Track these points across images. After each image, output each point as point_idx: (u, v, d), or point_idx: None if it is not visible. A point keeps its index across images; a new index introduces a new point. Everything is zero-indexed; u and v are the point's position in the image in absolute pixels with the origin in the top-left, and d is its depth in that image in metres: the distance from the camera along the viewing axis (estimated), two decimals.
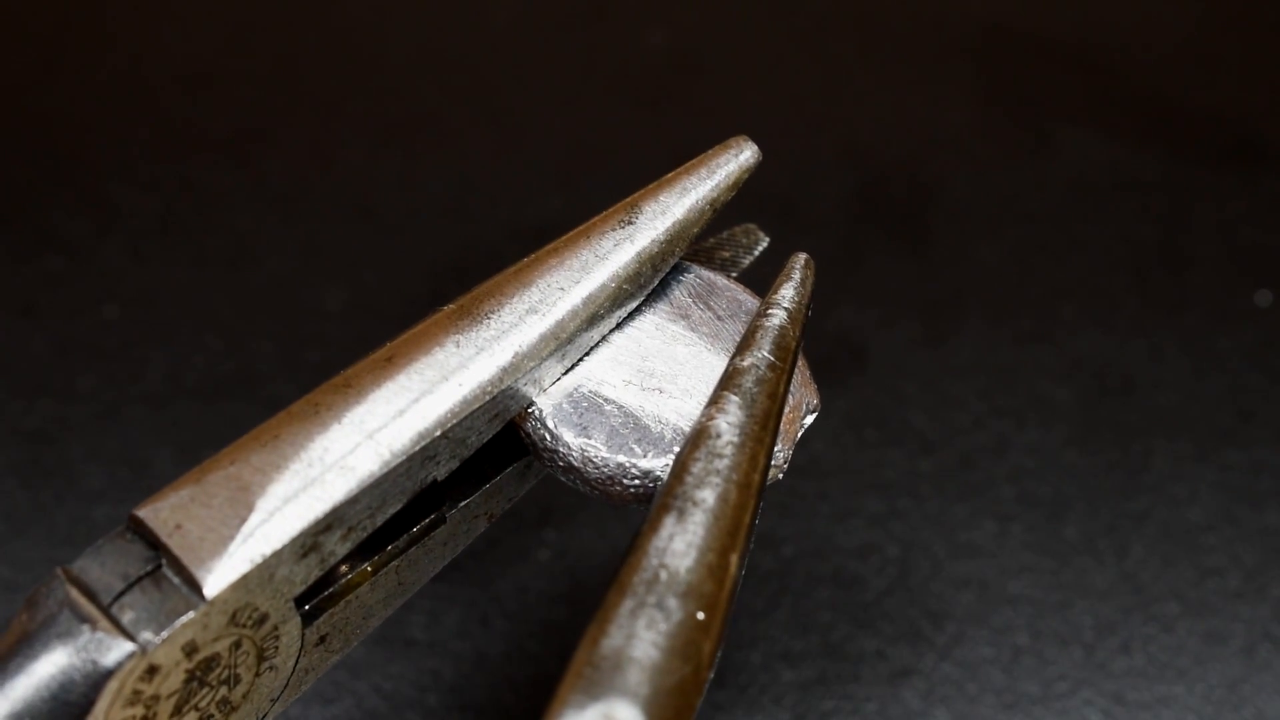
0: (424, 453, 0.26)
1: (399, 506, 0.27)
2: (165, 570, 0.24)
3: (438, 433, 0.26)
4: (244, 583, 0.24)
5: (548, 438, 0.28)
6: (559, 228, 0.35)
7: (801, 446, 0.43)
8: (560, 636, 0.39)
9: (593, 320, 0.28)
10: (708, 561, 0.24)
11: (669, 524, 0.24)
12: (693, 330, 0.30)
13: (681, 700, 0.23)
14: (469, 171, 0.51)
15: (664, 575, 0.24)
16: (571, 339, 0.28)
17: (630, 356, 0.29)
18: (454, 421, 0.26)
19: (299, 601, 0.26)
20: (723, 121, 0.54)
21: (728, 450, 0.26)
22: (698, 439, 0.26)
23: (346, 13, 0.57)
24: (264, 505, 0.25)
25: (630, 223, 0.29)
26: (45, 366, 0.45)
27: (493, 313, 0.28)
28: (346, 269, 0.48)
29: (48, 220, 0.49)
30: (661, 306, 0.30)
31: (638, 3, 0.58)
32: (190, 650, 0.24)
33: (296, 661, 0.27)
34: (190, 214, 0.50)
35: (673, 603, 0.23)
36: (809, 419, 0.29)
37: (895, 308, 0.47)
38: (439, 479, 0.27)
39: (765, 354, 0.27)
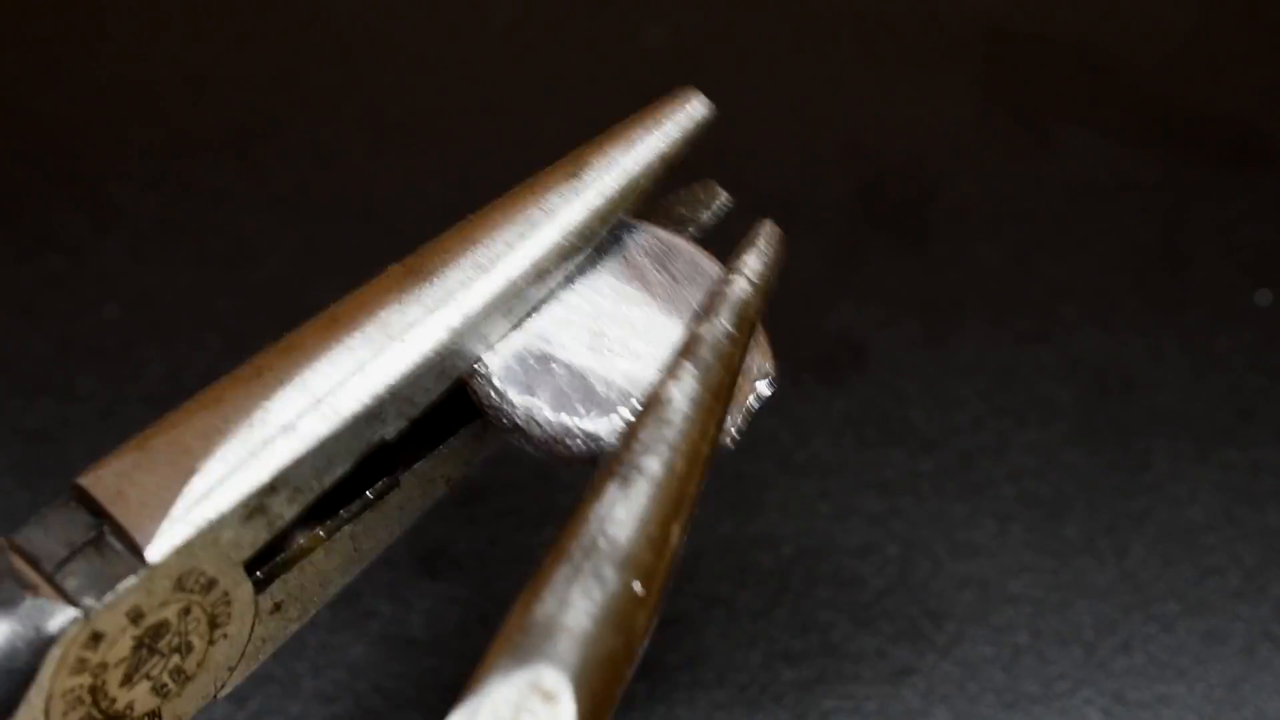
0: (370, 412, 0.26)
1: (347, 468, 0.27)
2: (109, 537, 0.24)
3: (384, 392, 0.26)
4: (188, 547, 0.24)
5: (493, 395, 0.28)
6: None
7: (803, 445, 0.43)
8: None
9: (540, 276, 0.28)
10: (648, 532, 0.24)
11: (612, 490, 0.24)
12: (648, 292, 0.29)
13: (611, 671, 0.23)
14: (469, 171, 0.51)
15: (603, 543, 0.24)
16: (518, 295, 0.28)
17: (582, 317, 0.29)
18: (400, 381, 0.26)
19: (250, 568, 0.26)
20: (723, 121, 0.54)
21: (677, 419, 0.25)
22: (649, 406, 0.26)
23: (346, 13, 0.57)
24: (207, 468, 0.25)
25: (576, 176, 0.29)
26: (45, 366, 0.45)
27: (438, 270, 0.28)
28: (346, 269, 0.48)
29: (48, 220, 0.49)
30: (618, 268, 0.30)
31: (638, 2, 0.58)
32: (135, 616, 0.24)
33: (252, 629, 0.26)
34: (190, 214, 0.50)
35: (609, 572, 0.23)
36: (762, 385, 0.29)
37: (895, 308, 0.47)
38: (388, 439, 0.27)
39: (723, 323, 0.27)
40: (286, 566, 0.27)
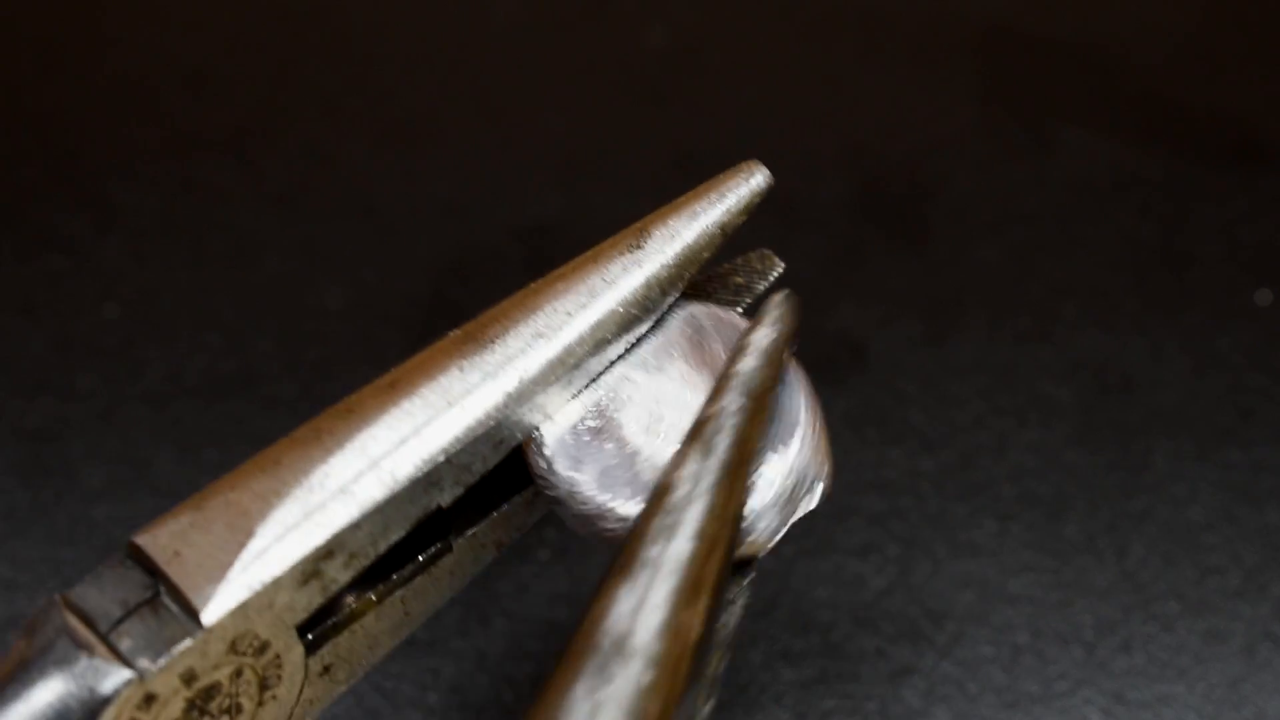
0: (427, 478, 0.26)
1: (403, 533, 0.27)
2: (164, 598, 0.24)
3: (441, 458, 0.26)
4: (243, 610, 0.24)
5: (541, 464, 0.28)
6: (559, 227, 0.35)
7: None
8: (561, 635, 0.39)
9: (599, 345, 0.28)
10: (658, 620, 0.23)
11: (618, 585, 0.23)
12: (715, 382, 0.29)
13: None
14: (469, 171, 0.51)
15: (606, 642, 0.23)
16: (578, 365, 0.28)
17: (645, 398, 0.29)
18: (458, 447, 0.26)
19: (302, 630, 0.26)
20: (723, 121, 0.54)
21: (682, 503, 0.25)
22: (656, 494, 0.25)
23: (346, 12, 0.57)
24: (264, 531, 0.25)
25: (639, 247, 0.28)
26: (45, 366, 0.45)
27: (498, 338, 0.27)
28: (346, 269, 0.48)
29: (48, 220, 0.49)
30: (691, 353, 0.29)
31: (638, 2, 0.58)
32: (189, 678, 0.24)
33: (300, 692, 0.27)
34: (190, 214, 0.50)
35: (617, 668, 0.22)
36: (820, 488, 0.28)
37: (895, 307, 0.47)
38: (444, 505, 0.27)
39: (731, 400, 0.27)
40: (338, 630, 0.27)
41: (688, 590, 0.23)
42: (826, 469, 0.29)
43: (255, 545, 0.25)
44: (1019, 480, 0.43)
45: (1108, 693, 0.39)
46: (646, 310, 0.28)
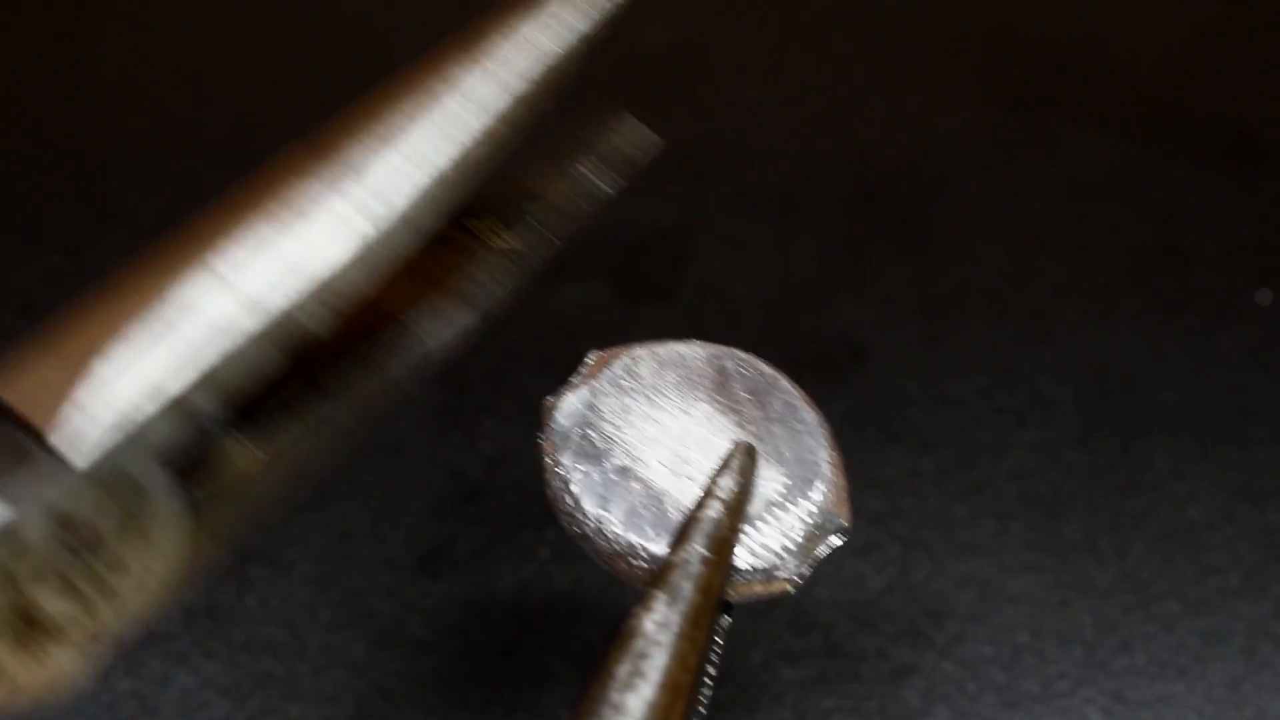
0: (296, 306, 0.24)
1: (272, 365, 0.25)
2: (20, 436, 0.23)
3: (302, 283, 0.24)
4: (114, 451, 0.23)
5: (569, 501, 0.29)
6: None
7: None
8: (560, 635, 0.39)
9: (456, 153, 0.26)
10: None
11: None
12: (740, 427, 0.30)
13: None
14: None
15: None
16: (437, 176, 0.26)
17: (671, 439, 0.29)
18: (323, 271, 0.24)
19: (176, 471, 0.25)
20: (723, 121, 0.54)
21: (652, 650, 0.25)
22: (622, 638, 0.25)
23: (346, 12, 0.57)
24: (116, 360, 0.24)
25: (476, 45, 0.26)
26: None
27: (344, 147, 0.25)
28: None
29: (48, 220, 0.49)
30: (717, 396, 0.30)
31: (638, 2, 0.58)
32: (57, 518, 0.23)
33: (179, 536, 0.25)
34: (190, 214, 0.50)
35: None
36: (834, 538, 0.29)
37: (895, 307, 0.47)
38: (312, 330, 0.25)
39: (698, 548, 0.27)
40: (211, 468, 0.25)
41: None
42: (846, 512, 0.29)
43: (110, 372, 0.23)
44: (1019, 480, 0.43)
45: (1108, 692, 0.39)
46: (498, 117, 0.26)
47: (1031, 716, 0.38)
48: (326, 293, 0.25)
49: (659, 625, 0.25)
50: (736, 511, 0.28)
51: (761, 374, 0.30)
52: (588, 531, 0.28)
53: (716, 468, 0.29)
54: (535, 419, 0.30)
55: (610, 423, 0.29)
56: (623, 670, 0.24)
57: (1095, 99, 0.54)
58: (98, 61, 0.55)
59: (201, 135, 0.52)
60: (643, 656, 0.25)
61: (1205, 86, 0.55)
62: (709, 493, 0.28)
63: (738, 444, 0.29)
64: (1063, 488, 0.43)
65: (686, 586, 0.26)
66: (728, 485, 0.28)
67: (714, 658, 0.28)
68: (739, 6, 0.58)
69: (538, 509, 0.42)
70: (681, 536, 0.27)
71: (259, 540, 0.41)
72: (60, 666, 0.24)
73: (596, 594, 0.40)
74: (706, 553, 0.27)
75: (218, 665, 0.39)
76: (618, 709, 0.24)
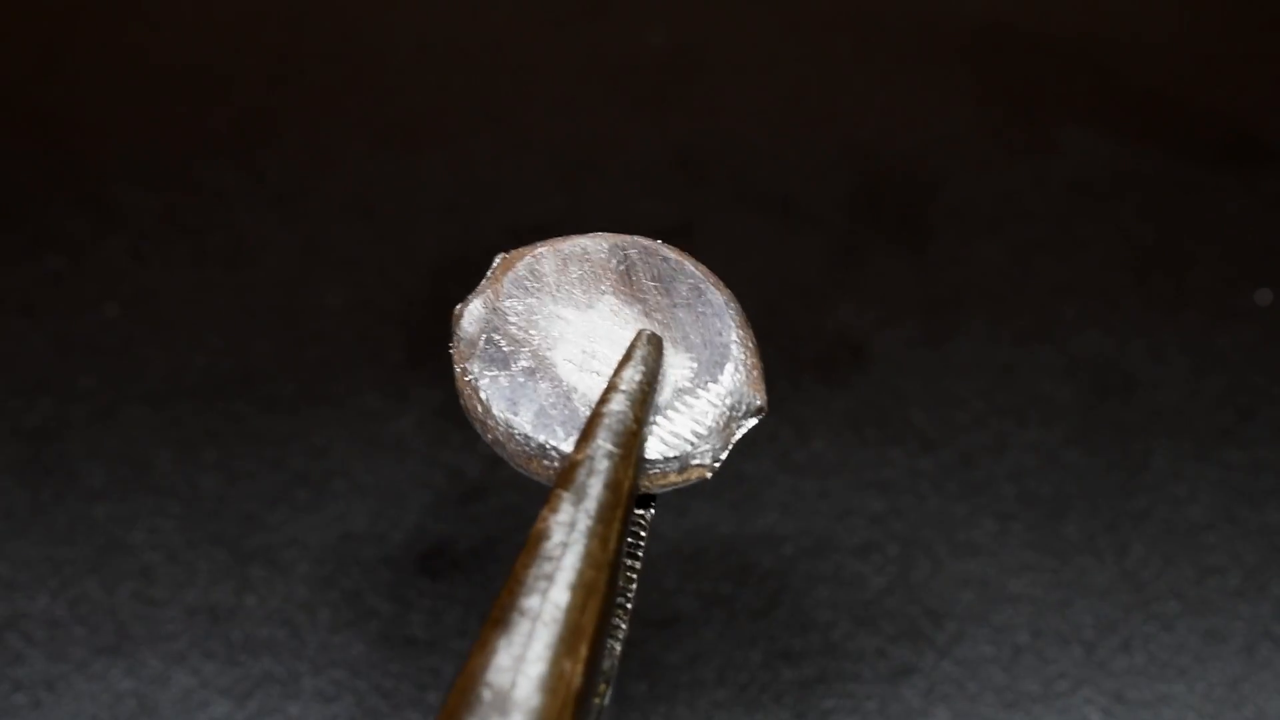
0: None
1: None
2: None
3: None
4: None
5: (479, 408, 0.28)
6: (559, 227, 0.35)
7: (801, 444, 0.43)
8: None
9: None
10: (539, 673, 0.22)
11: (496, 637, 0.23)
12: (646, 316, 0.29)
13: None
14: (469, 171, 0.51)
15: (487, 694, 0.22)
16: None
17: (577, 335, 0.29)
18: None
19: None
20: (723, 121, 0.54)
21: (557, 552, 0.24)
22: (529, 543, 0.24)
23: (346, 12, 0.57)
24: None
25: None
26: (45, 366, 0.45)
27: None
28: (346, 269, 0.48)
29: (48, 220, 0.49)
30: (621, 288, 0.29)
31: (638, 2, 0.58)
32: None
33: None
34: (191, 214, 0.50)
35: None
36: (750, 421, 0.28)
37: (895, 307, 0.47)
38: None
39: (601, 443, 0.26)
40: None
41: (568, 640, 0.23)
42: (760, 392, 0.29)
43: None
44: (1019, 480, 0.43)
45: (1108, 692, 0.39)
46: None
47: (1031, 716, 0.38)
48: None
49: (565, 525, 0.25)
50: (642, 402, 0.27)
51: (666, 260, 0.30)
52: (499, 436, 0.28)
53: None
54: None
55: (516, 325, 0.29)
56: (530, 574, 0.24)
57: (1095, 99, 0.54)
58: (98, 61, 0.55)
59: (201, 135, 0.52)
60: (548, 559, 0.24)
61: (1205, 86, 0.55)
62: (611, 386, 0.27)
63: (640, 333, 0.28)
64: (1063, 488, 0.43)
65: (593, 484, 0.25)
66: (630, 376, 0.27)
67: (638, 552, 0.27)
68: (739, 6, 0.58)
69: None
70: (585, 434, 0.26)
71: (259, 540, 0.41)
72: None
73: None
74: (612, 447, 0.26)
75: (218, 665, 0.39)
76: (524, 613, 0.23)
